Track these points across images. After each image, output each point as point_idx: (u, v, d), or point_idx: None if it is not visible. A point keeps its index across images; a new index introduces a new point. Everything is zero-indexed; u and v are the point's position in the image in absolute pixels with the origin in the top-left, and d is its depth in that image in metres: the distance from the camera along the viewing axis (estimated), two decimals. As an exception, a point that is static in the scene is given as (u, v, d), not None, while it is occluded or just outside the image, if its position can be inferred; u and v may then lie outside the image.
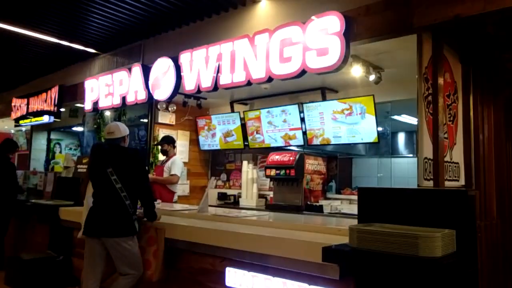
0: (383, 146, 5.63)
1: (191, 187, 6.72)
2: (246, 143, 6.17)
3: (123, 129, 3.54)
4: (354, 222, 2.66)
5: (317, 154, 5.98)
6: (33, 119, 7.87)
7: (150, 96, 5.14)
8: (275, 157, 5.65)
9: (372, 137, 4.82)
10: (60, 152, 9.02)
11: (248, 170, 6.17)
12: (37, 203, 5.37)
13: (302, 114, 5.37)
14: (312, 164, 5.74)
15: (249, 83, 4.04)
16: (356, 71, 4.32)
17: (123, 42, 6.03)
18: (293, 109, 5.47)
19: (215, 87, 4.31)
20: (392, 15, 3.28)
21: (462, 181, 3.64)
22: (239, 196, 6.28)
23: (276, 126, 5.69)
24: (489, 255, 3.57)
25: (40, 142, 8.90)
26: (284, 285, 2.68)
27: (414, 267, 1.99)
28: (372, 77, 4.45)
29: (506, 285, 3.98)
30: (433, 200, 2.34)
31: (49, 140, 8.98)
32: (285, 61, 3.73)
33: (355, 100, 4.87)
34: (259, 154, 6.50)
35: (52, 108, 7.27)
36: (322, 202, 5.53)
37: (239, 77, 4.08)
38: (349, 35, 3.42)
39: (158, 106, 6.05)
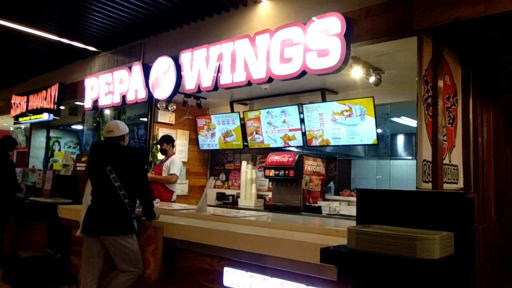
0: (382, 148, 5.64)
1: (190, 186, 6.72)
2: (245, 143, 6.17)
3: (122, 127, 3.54)
4: (353, 223, 2.67)
5: (316, 155, 5.98)
6: (33, 117, 7.87)
7: (150, 95, 5.14)
8: (274, 158, 5.65)
9: (371, 139, 4.82)
10: (59, 150, 9.02)
11: (247, 170, 6.17)
12: (36, 201, 5.37)
13: (301, 115, 5.38)
14: (311, 165, 5.75)
15: (249, 83, 4.04)
16: (356, 72, 4.33)
17: (124, 41, 6.03)
18: (292, 110, 5.47)
19: (215, 86, 4.31)
20: (393, 17, 3.28)
21: (460, 184, 3.65)
22: (238, 196, 6.28)
23: (276, 126, 5.69)
24: (487, 258, 3.57)
25: (39, 140, 8.90)
26: (282, 286, 2.69)
27: (412, 269, 1.99)
28: (372, 79, 4.45)
29: (504, 288, 3.98)
30: (432, 202, 2.35)
31: (48, 138, 8.97)
32: (286, 61, 3.73)
33: (355, 102, 4.88)
34: (258, 155, 6.51)
35: (51, 106, 7.26)
36: (321, 203, 5.53)
37: (240, 77, 4.08)
38: (350, 36, 3.43)
39: (158, 105, 6.05)
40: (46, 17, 5.31)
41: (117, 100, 5.59)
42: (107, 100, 5.75)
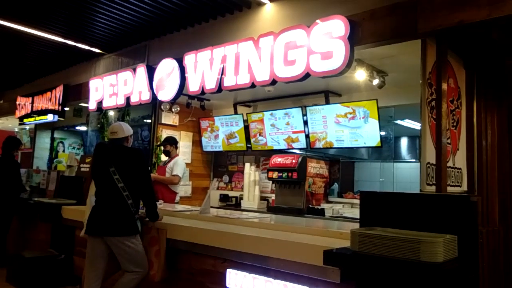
0: (385, 150, 5.63)
1: (193, 188, 6.73)
2: (248, 145, 6.18)
3: (126, 129, 3.56)
4: (356, 226, 2.67)
5: (319, 157, 5.98)
6: (37, 118, 7.91)
7: (154, 96, 5.16)
8: (277, 160, 5.65)
9: (374, 141, 4.82)
10: (63, 151, 9.05)
11: (250, 172, 6.17)
12: (40, 202, 5.40)
13: (305, 117, 5.38)
14: (315, 167, 5.75)
15: (253, 85, 4.05)
16: (360, 75, 4.33)
17: (128, 43, 6.06)
18: (296, 112, 5.48)
19: (219, 88, 4.33)
20: (397, 20, 3.28)
21: (464, 187, 3.64)
22: (241, 198, 6.28)
23: (279, 128, 5.70)
24: (491, 262, 3.56)
25: (43, 141, 8.94)
26: (285, 288, 2.69)
27: (415, 272, 1.99)
28: (375, 82, 4.45)
29: (508, 292, 3.96)
30: (435, 205, 2.34)
31: (52, 139, 9.01)
32: (289, 64, 3.74)
33: (359, 104, 4.88)
34: (262, 157, 6.51)
35: (56, 107, 7.31)
36: (324, 205, 5.53)
37: (243, 79, 4.09)
38: (354, 39, 3.43)
39: (162, 107, 6.07)
40: (52, 19, 5.35)
41: (121, 101, 5.62)
42: (112, 101, 5.78)
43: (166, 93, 4.97)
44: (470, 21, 2.84)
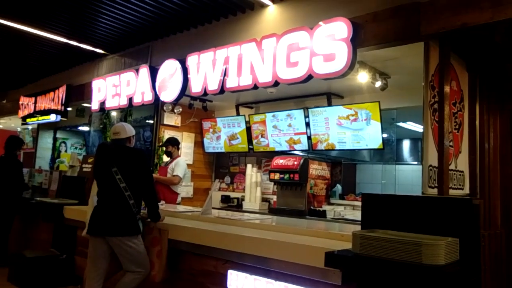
0: (387, 152, 5.62)
1: (194, 189, 6.73)
2: (250, 146, 6.18)
3: (128, 129, 3.57)
4: (357, 228, 2.67)
5: (321, 159, 5.98)
6: (40, 118, 7.93)
7: (156, 97, 5.17)
8: (279, 161, 5.65)
9: (377, 143, 4.81)
10: (66, 151, 9.08)
11: (252, 173, 6.18)
12: (42, 201, 5.42)
13: (307, 119, 5.38)
14: (316, 169, 5.75)
15: (255, 86, 4.06)
16: (362, 77, 4.33)
17: (131, 44, 6.07)
18: (298, 114, 5.48)
19: (222, 90, 4.33)
20: (400, 22, 3.29)
21: (466, 190, 3.63)
22: (243, 199, 6.28)
23: (281, 130, 5.70)
24: (493, 265, 3.55)
25: (46, 141, 8.96)
26: (286, 289, 2.69)
27: (417, 275, 1.98)
28: (378, 84, 4.45)
29: (509, 295, 3.95)
30: (437, 208, 2.34)
31: (55, 139, 9.04)
32: (292, 65, 3.75)
33: (361, 106, 4.87)
34: (264, 158, 6.51)
35: (59, 107, 7.33)
36: (326, 207, 5.52)
37: (246, 81, 4.10)
38: (356, 41, 3.43)
39: (164, 108, 6.07)
40: (55, 19, 5.37)
41: (123, 102, 5.63)
42: (114, 102, 5.79)
43: (168, 94, 4.98)
44: (473, 24, 2.84)
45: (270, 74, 3.91)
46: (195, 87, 4.60)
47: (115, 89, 5.78)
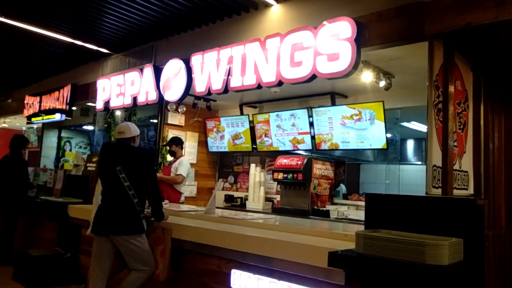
0: (391, 152, 5.61)
1: (198, 188, 6.75)
2: (254, 146, 6.19)
3: (133, 129, 3.59)
4: (361, 228, 2.66)
5: (325, 159, 5.97)
6: (45, 117, 7.99)
7: (160, 97, 5.18)
8: (283, 161, 5.65)
9: (380, 143, 4.81)
10: (70, 150, 9.12)
11: (255, 173, 6.18)
12: (47, 200, 5.44)
13: (311, 119, 5.38)
14: (320, 168, 5.74)
15: (259, 86, 4.06)
16: (367, 77, 4.32)
17: (136, 43, 6.09)
18: (302, 113, 5.48)
19: (226, 89, 4.34)
20: (404, 22, 3.28)
21: (471, 190, 3.62)
22: (246, 199, 6.29)
23: (285, 129, 5.70)
24: (497, 265, 3.54)
25: (50, 140, 9.01)
26: (289, 289, 2.69)
27: (420, 275, 1.98)
28: (382, 83, 4.44)
29: (514, 296, 3.93)
30: (441, 208, 2.34)
31: (59, 138, 9.08)
32: (296, 65, 3.75)
33: (365, 106, 4.87)
34: (267, 157, 6.52)
35: (64, 107, 7.36)
36: (329, 207, 5.52)
37: (250, 80, 4.10)
38: (360, 41, 3.43)
39: (168, 107, 6.09)
40: (60, 19, 5.40)
41: (128, 101, 5.66)
42: (118, 101, 5.82)
43: (172, 94, 4.99)
44: (477, 24, 2.83)
45: (274, 74, 3.91)
46: (199, 87, 4.61)
47: (119, 88, 5.80)
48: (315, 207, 5.48)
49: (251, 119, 6.14)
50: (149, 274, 3.34)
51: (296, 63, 3.74)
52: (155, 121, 6.48)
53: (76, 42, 6.11)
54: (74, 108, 7.44)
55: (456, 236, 2.16)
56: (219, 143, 6.68)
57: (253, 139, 6.15)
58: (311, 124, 5.38)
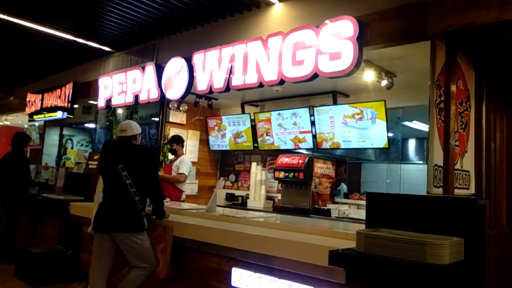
0: (393, 152, 5.61)
1: (199, 186, 6.75)
2: (255, 144, 6.19)
3: (135, 127, 3.59)
4: (362, 227, 2.67)
5: (326, 158, 5.97)
6: (47, 115, 7.99)
7: (162, 95, 5.18)
8: (284, 160, 5.66)
9: (382, 142, 4.80)
10: (72, 148, 9.14)
11: (256, 171, 6.18)
12: (48, 198, 5.45)
13: (312, 118, 5.38)
14: (321, 167, 5.74)
15: (261, 85, 4.06)
16: (368, 76, 4.32)
17: (138, 41, 6.09)
18: (303, 112, 5.48)
19: (227, 88, 4.34)
20: (406, 21, 3.27)
21: (472, 190, 3.62)
22: (247, 197, 6.29)
23: (286, 128, 5.70)
24: (497, 265, 3.54)
25: (52, 138, 9.03)
26: (290, 287, 2.69)
27: (421, 274, 1.98)
28: (384, 83, 4.44)
29: (514, 296, 3.93)
30: (442, 207, 2.34)
31: (61, 136, 9.10)
32: (298, 64, 3.74)
33: (366, 105, 4.86)
34: (268, 156, 6.52)
35: (65, 104, 7.37)
36: (330, 206, 5.52)
37: (251, 79, 4.10)
38: (362, 40, 3.42)
39: (170, 105, 6.09)
40: (63, 17, 5.40)
41: (130, 99, 5.66)
42: (120, 99, 5.82)
43: (174, 92, 4.99)
44: (480, 23, 2.82)
45: (275, 73, 3.91)
46: (201, 85, 4.61)
47: (121, 86, 5.81)
48: (316, 206, 5.48)
49: (252, 117, 6.14)
50: (149, 271, 3.35)
51: (298, 62, 3.74)
52: (157, 119, 6.48)
53: (78, 40, 6.11)
54: (76, 106, 7.45)
55: (457, 236, 2.16)
56: (220, 141, 6.68)
57: (255, 138, 6.15)
58: (313, 123, 5.38)
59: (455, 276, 1.98)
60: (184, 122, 6.55)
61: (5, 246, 5.71)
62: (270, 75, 3.95)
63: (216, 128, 6.69)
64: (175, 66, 4.97)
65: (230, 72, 4.29)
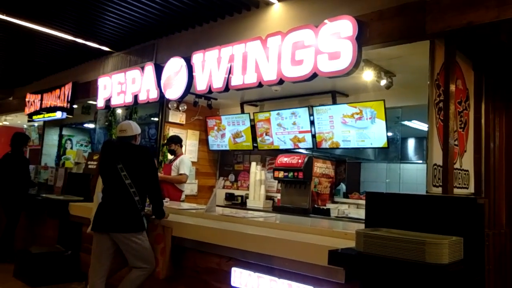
0: (392, 151, 5.62)
1: (199, 186, 6.76)
2: (255, 144, 6.20)
3: (135, 127, 3.59)
4: (361, 226, 2.67)
5: (325, 157, 5.98)
6: (46, 115, 7.99)
7: (161, 95, 5.18)
8: (283, 159, 5.66)
9: (381, 142, 4.81)
10: (71, 148, 9.13)
11: (256, 171, 6.19)
12: (48, 198, 5.45)
13: (312, 117, 5.38)
14: (321, 167, 5.75)
15: (260, 84, 4.06)
16: (368, 75, 4.32)
17: (137, 41, 6.09)
18: (303, 112, 5.48)
19: (226, 88, 4.34)
20: (405, 21, 3.27)
21: (471, 189, 3.62)
22: (247, 197, 6.30)
23: (286, 128, 5.70)
24: (497, 264, 3.54)
25: (52, 138, 9.02)
26: (290, 287, 2.69)
27: (420, 273, 1.99)
28: (383, 82, 4.44)
29: (514, 295, 3.94)
30: (442, 207, 2.34)
31: (60, 136, 9.09)
32: (297, 63, 3.74)
33: (366, 105, 4.87)
34: (268, 156, 6.52)
35: (65, 105, 7.37)
36: (330, 205, 5.52)
37: (251, 79, 4.10)
38: (362, 39, 3.42)
39: (169, 105, 6.09)
40: (62, 17, 5.40)
41: (129, 99, 5.65)
42: (120, 99, 5.82)
43: (173, 92, 4.99)
44: (478, 23, 2.82)
45: (275, 72, 3.91)
46: (200, 85, 4.61)
47: (120, 86, 5.80)
48: (316, 205, 5.49)
49: (252, 117, 6.14)
50: (149, 272, 3.35)
51: (297, 61, 3.74)
52: (156, 119, 6.48)
53: (77, 40, 6.11)
54: (75, 106, 7.45)
55: (456, 235, 2.17)
56: (220, 141, 6.68)
57: (254, 138, 6.16)
58: (312, 123, 5.38)
59: (455, 276, 1.98)
60: (184, 122, 6.55)
61: (4, 246, 5.71)
62: (269, 75, 3.95)
63: (216, 128, 6.69)
64: (175, 66, 4.97)
65: (230, 72, 4.29)
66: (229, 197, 6.51)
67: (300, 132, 5.54)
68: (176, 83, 4.94)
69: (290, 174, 5.49)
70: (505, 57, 3.67)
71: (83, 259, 4.61)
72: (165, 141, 5.97)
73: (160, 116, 6.31)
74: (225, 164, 7.16)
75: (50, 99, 7.78)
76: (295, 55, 3.75)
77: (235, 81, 4.23)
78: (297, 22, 3.99)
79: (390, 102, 4.78)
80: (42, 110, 8.03)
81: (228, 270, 3.06)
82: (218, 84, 4.40)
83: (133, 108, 6.67)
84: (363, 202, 4.91)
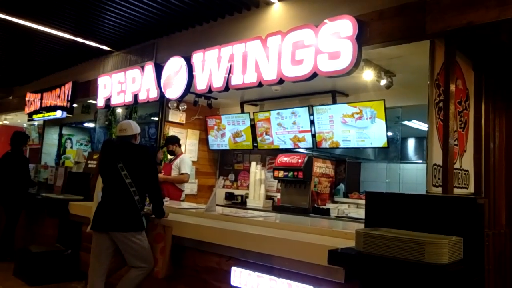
0: (392, 151, 5.61)
1: (199, 186, 6.75)
2: (255, 144, 6.20)
3: (135, 127, 3.59)
4: (361, 226, 2.67)
5: (325, 157, 5.98)
6: (46, 114, 7.99)
7: (161, 94, 5.18)
8: (283, 159, 5.66)
9: (381, 141, 4.81)
10: (71, 147, 9.13)
11: (256, 171, 6.19)
12: (48, 197, 5.45)
13: (312, 117, 5.38)
14: (321, 167, 5.75)
15: (260, 84, 4.06)
16: (368, 75, 4.32)
17: (137, 41, 6.09)
18: (303, 112, 5.48)
19: (227, 87, 4.34)
20: (405, 20, 3.27)
21: (471, 189, 3.62)
22: (247, 197, 6.30)
23: (286, 128, 5.70)
24: (496, 264, 3.54)
25: (51, 137, 9.02)
26: (289, 287, 2.70)
27: (420, 273, 1.99)
28: (383, 82, 4.44)
29: (513, 295, 3.94)
30: (442, 207, 2.34)
31: (60, 135, 9.09)
32: (297, 63, 3.74)
33: (366, 104, 4.87)
34: (268, 156, 6.52)
35: (65, 104, 7.37)
36: (329, 205, 5.52)
37: (251, 78, 4.10)
38: (362, 39, 3.42)
39: (169, 105, 6.09)
40: (62, 16, 5.40)
41: (129, 99, 5.66)
42: (120, 99, 5.82)
43: (173, 91, 4.99)
44: (478, 23, 2.82)
45: (275, 72, 3.91)
46: (200, 84, 4.61)
47: (120, 86, 5.81)
48: (316, 205, 5.49)
49: (252, 117, 6.14)
50: (148, 271, 3.35)
51: (297, 61, 3.74)
52: (156, 118, 6.48)
53: (77, 39, 6.11)
54: (75, 105, 7.45)
55: (456, 235, 2.17)
56: (219, 141, 6.68)
57: (254, 137, 6.15)
58: (312, 123, 5.38)
59: (454, 275, 1.98)
60: (184, 122, 6.55)
61: (4, 245, 5.71)
62: (270, 75, 3.95)
63: (216, 127, 6.69)
64: (175, 66, 4.97)
65: (230, 71, 4.29)
66: (229, 196, 6.51)
67: (300, 131, 5.54)
68: (176, 83, 4.94)
69: (290, 174, 5.49)
70: (505, 57, 3.67)
71: (82, 258, 4.61)
72: (162, 144, 5.96)
73: (160, 116, 6.31)
74: (225, 163, 7.16)
75: (50, 98, 7.78)
76: (295, 55, 3.75)
77: (235, 80, 4.23)
78: (297, 21, 3.99)
79: (390, 102, 4.78)
80: (42, 109, 8.03)
81: (228, 269, 3.07)
82: (218, 83, 4.40)
83: (133, 108, 6.67)
84: (363, 201, 4.92)
